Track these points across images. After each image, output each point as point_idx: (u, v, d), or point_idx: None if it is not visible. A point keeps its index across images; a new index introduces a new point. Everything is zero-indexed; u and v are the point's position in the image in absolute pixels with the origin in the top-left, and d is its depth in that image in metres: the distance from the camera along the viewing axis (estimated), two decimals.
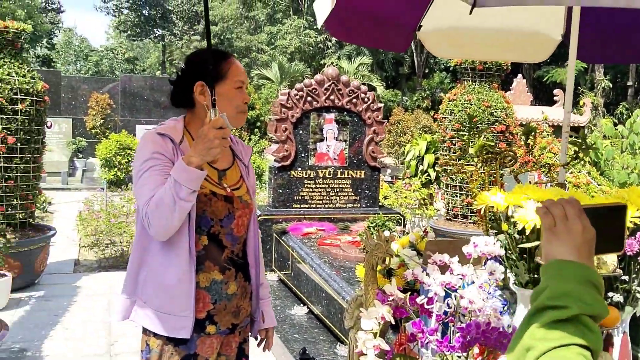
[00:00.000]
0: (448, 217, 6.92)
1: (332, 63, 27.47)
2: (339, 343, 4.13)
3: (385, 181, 10.17)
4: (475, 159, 2.45)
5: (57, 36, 43.29)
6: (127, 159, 12.72)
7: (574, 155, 2.38)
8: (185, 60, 2.05)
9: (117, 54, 46.91)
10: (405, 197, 7.76)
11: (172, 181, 1.78)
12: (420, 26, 3.33)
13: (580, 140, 2.32)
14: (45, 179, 11.73)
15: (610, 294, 2.28)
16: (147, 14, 41.06)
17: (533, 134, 2.41)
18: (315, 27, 31.75)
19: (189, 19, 39.85)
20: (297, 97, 6.00)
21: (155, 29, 41.84)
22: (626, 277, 2.24)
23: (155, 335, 1.94)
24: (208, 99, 1.90)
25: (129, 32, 41.83)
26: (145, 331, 1.98)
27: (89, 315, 5.03)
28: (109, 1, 40.43)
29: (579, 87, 23.65)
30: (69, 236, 7.85)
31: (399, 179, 10.04)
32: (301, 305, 4.95)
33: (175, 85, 2.03)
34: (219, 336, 2.05)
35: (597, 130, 11.28)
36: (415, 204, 7.87)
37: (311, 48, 30.91)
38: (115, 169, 12.50)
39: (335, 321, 4.23)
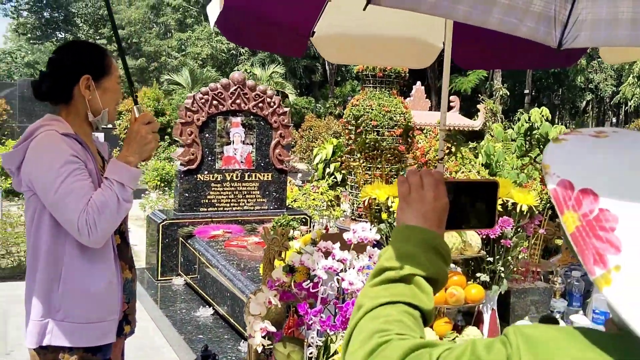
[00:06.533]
0: (353, 217, 7.17)
1: (245, 70, 27.45)
2: (242, 340, 4.22)
3: (297, 185, 10.34)
4: (359, 155, 2.63)
5: None
6: None
7: (448, 151, 2.62)
8: (61, 51, 1.92)
9: (16, 58, 44.40)
10: (314, 199, 7.96)
11: (113, 183, 1.74)
12: (314, 32, 3.50)
13: (452, 137, 2.55)
14: None
15: (477, 274, 2.53)
16: (48, 17, 39.23)
17: (412, 132, 2.63)
18: None
19: (94, 22, 38.44)
20: (203, 100, 6.03)
21: (57, 32, 40.01)
22: (491, 259, 2.50)
23: (71, 349, 1.82)
24: (94, 93, 1.87)
25: (29, 35, 39.76)
26: (54, 350, 1.82)
27: None
28: (7, 2, 38.28)
29: (479, 95, 25.02)
30: None
31: (309, 182, 10.26)
32: (207, 307, 4.98)
33: (52, 78, 1.87)
34: (124, 337, 2.07)
35: (490, 134, 12.05)
36: (323, 206, 8.09)
37: (223, 55, 30.72)
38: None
39: (240, 320, 4.31)
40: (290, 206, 7.13)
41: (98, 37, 36.91)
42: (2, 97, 15.69)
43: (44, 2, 38.53)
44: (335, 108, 29.74)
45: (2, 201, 8.37)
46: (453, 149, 2.23)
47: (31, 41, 41.13)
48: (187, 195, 6.07)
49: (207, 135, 6.11)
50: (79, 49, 1.93)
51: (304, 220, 6.15)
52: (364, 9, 1.42)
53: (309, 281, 2.17)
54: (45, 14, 39.25)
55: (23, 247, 6.85)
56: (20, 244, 6.88)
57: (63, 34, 39.84)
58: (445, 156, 2.62)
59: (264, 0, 3.01)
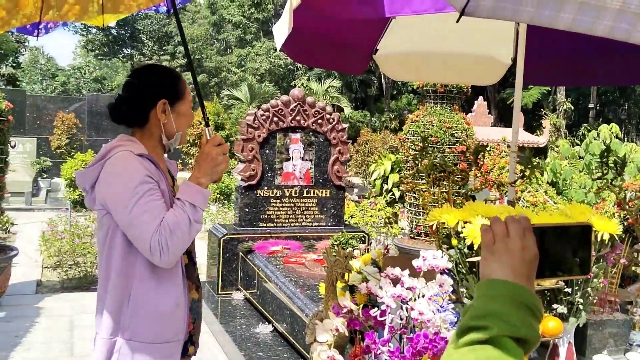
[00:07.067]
0: (412, 236, 7.05)
1: (302, 84, 27.71)
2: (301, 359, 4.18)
3: (353, 200, 10.29)
4: (427, 178, 2.56)
5: (23, 55, 42.63)
6: None
7: (521, 174, 2.52)
8: (138, 75, 1.95)
9: (85, 73, 46.39)
10: (371, 215, 7.88)
11: (185, 204, 1.76)
12: (377, 50, 3.47)
13: (526, 160, 2.45)
14: (8, 199, 11.52)
15: (554, 306, 2.40)
16: (115, 34, 40.83)
17: (482, 153, 2.55)
18: None
19: (159, 39, 39.77)
20: (264, 117, 6.09)
21: (123, 49, 41.58)
22: (569, 290, 2.37)
23: None
24: (169, 117, 1.90)
25: (97, 51, 41.47)
26: None
27: (51, 336, 4.97)
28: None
29: (542, 109, 24.31)
30: (31, 257, 7.72)
31: (366, 198, 10.19)
32: (266, 323, 4.98)
33: (129, 101, 1.91)
34: (190, 357, 2.05)
35: (555, 151, 11.65)
36: (381, 223, 8.00)
37: (281, 69, 31.14)
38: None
39: (299, 338, 4.27)
40: (347, 222, 7.08)
41: (162, 53, 38.16)
42: (71, 112, 16.41)
43: None
44: (390, 122, 29.55)
45: (70, 212, 8.69)
46: (527, 172, 2.12)
47: (99, 57, 42.88)
48: (247, 210, 6.13)
49: (267, 151, 6.16)
50: (156, 73, 1.96)
51: (362, 238, 6.09)
52: (457, 21, 1.37)
53: (376, 309, 2.11)
54: (112, 31, 40.87)
55: (90, 258, 7.08)
56: (86, 254, 7.11)
57: (129, 50, 41.34)
58: (518, 179, 2.52)
59: (330, 21, 3.00)
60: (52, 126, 15.87)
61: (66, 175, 12.47)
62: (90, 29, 40.62)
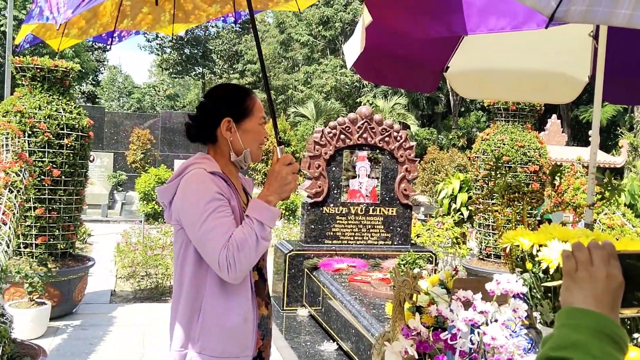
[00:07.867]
0: (481, 257, 6.87)
1: (367, 102, 27.74)
2: None
3: (419, 219, 10.15)
4: (501, 199, 2.49)
5: (102, 73, 44.89)
6: None
7: (601, 196, 2.41)
8: (208, 95, 2.01)
9: (159, 91, 48.30)
10: (438, 235, 7.74)
11: (253, 221, 1.79)
12: (448, 67, 3.43)
13: (605, 181, 2.35)
14: (86, 211, 12.11)
15: (635, 335, 2.27)
16: (188, 53, 42.40)
17: (559, 174, 2.45)
18: None
19: (229, 58, 40.99)
20: (331, 134, 6.13)
21: (196, 67, 43.10)
22: None
23: None
24: (235, 135, 1.93)
25: (170, 69, 43.18)
26: None
27: (124, 345, 5.14)
28: (153, 40, 41.88)
29: (618, 128, 23.23)
30: (106, 267, 8.05)
31: (432, 217, 10.03)
32: (331, 341, 4.96)
33: (198, 120, 1.97)
34: None
35: (633, 172, 11.07)
36: (448, 243, 7.84)
37: (347, 87, 31.31)
38: (153, 202, 12.82)
39: (364, 358, 4.23)
40: (413, 242, 6.99)
41: (232, 71, 39.27)
42: (146, 128, 17.11)
43: (185, 40, 41.77)
44: (458, 140, 29.05)
45: (143, 225, 9.02)
46: (607, 194, 2.01)
47: (172, 75, 44.58)
48: (312, 227, 6.16)
49: (333, 168, 6.19)
50: (222, 92, 2.01)
51: (429, 258, 5.98)
52: (546, 27, 1.32)
53: (447, 332, 2.07)
54: (185, 50, 42.45)
55: (161, 270, 7.30)
56: (158, 266, 7.34)
57: (200, 68, 42.79)
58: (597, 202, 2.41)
59: (402, 39, 2.99)
60: (128, 141, 16.60)
61: (140, 189, 12.96)
62: (165, 48, 42.36)
